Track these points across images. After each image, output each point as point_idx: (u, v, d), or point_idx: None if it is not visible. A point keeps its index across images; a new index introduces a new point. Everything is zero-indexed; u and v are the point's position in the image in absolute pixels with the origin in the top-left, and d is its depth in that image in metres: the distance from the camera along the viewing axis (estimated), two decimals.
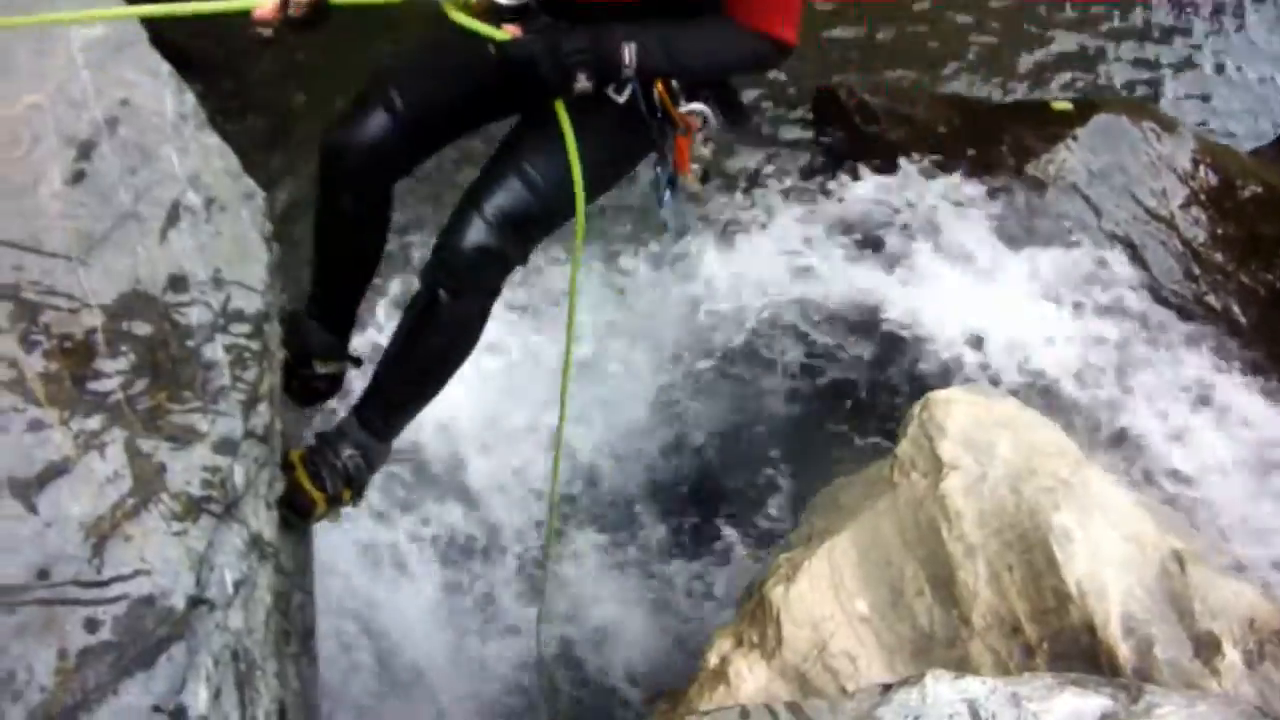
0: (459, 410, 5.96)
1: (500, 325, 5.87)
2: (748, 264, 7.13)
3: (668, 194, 3.32)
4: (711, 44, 3.02)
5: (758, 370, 6.77)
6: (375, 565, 5.55)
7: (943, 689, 2.85)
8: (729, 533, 6.09)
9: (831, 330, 6.86)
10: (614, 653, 5.65)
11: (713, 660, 4.51)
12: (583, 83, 2.90)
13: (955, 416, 4.64)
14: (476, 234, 3.11)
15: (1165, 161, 7.39)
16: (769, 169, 7.89)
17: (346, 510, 3.63)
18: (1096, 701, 2.80)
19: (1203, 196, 7.35)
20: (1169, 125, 7.61)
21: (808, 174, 7.85)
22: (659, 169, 3.31)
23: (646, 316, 6.84)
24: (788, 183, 7.73)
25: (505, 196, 3.12)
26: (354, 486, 3.45)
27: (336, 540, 5.25)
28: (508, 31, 2.95)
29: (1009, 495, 4.39)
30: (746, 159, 7.91)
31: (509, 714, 5.28)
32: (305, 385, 3.67)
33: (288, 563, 3.49)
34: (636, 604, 5.83)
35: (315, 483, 3.39)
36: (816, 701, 3.54)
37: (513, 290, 6.11)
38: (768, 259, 7.16)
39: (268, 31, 2.85)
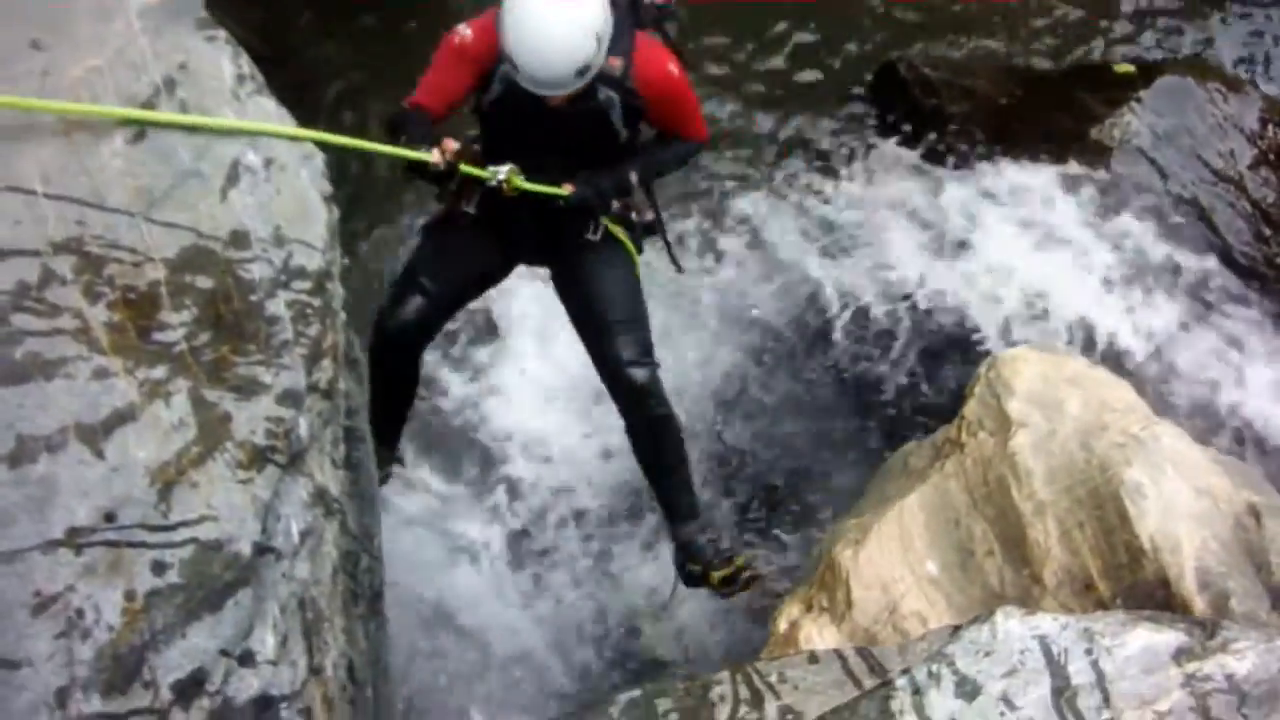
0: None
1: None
2: (809, 236, 7.08)
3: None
4: (673, 157, 4.26)
5: (820, 343, 6.73)
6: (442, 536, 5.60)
7: (1013, 625, 2.81)
8: (796, 505, 6.05)
9: (893, 300, 6.80)
10: (682, 627, 5.63)
11: (783, 626, 4.49)
12: (616, 205, 4.07)
13: (1023, 374, 4.58)
14: (638, 377, 4.14)
15: (1232, 121, 7.25)
16: (829, 144, 7.81)
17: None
18: (1171, 636, 2.75)
19: (1272, 156, 7.22)
20: (1235, 85, 7.48)
21: (868, 148, 7.75)
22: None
23: (711, 291, 6.81)
24: (848, 157, 7.65)
25: (624, 342, 4.13)
26: (724, 553, 4.49)
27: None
28: (565, 188, 3.95)
29: (1079, 452, 4.33)
30: (809, 134, 7.83)
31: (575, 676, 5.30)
32: None
33: (354, 525, 3.50)
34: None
35: (712, 571, 4.44)
36: (885, 647, 3.52)
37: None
38: (828, 231, 7.11)
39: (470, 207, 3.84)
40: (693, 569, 4.48)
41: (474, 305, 5.15)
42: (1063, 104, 7.45)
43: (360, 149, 3.87)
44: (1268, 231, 7.01)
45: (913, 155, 7.50)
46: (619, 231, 4.15)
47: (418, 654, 5.14)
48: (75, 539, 2.40)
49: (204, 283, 2.89)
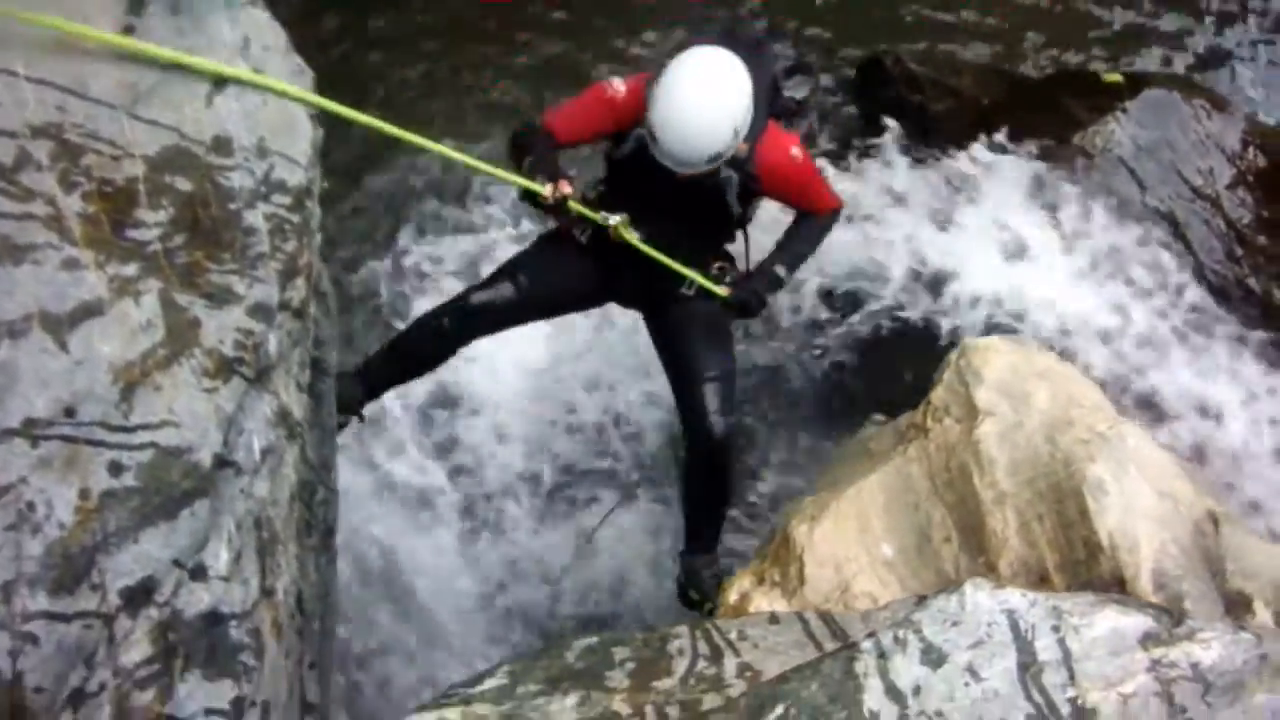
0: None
1: None
2: (777, 221, 7.03)
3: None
4: (815, 237, 4.52)
5: (783, 326, 6.69)
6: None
7: (982, 598, 2.78)
8: (752, 482, 6.02)
9: (859, 289, 6.77)
10: (630, 597, 5.61)
11: (733, 597, 4.44)
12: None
13: (993, 364, 4.55)
14: (718, 428, 4.30)
15: (1214, 140, 7.25)
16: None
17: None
18: (1139, 620, 2.72)
19: (1250, 178, 7.22)
20: (1220, 104, 7.47)
21: (848, 140, 7.72)
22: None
23: None
24: (831, 148, 7.61)
25: (711, 393, 4.29)
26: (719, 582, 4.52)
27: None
28: (723, 290, 4.33)
29: (1044, 445, 4.31)
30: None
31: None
32: None
33: (313, 455, 3.44)
34: (658, 550, 5.78)
35: (707, 602, 4.53)
36: (847, 614, 3.49)
37: None
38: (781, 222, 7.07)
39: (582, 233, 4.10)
40: (693, 595, 4.67)
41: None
42: (1047, 108, 7.43)
43: (483, 172, 4.17)
44: (1240, 251, 7.02)
45: (893, 150, 7.43)
46: (712, 286, 4.32)
47: (365, 596, 5.09)
48: (32, 430, 2.33)
49: (183, 185, 2.82)
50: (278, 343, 2.89)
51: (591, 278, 4.33)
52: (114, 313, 2.53)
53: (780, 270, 4.38)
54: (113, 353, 2.49)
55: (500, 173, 3.96)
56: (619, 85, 3.95)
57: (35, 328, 2.41)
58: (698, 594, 4.61)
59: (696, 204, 4.04)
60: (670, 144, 3.73)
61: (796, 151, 4.17)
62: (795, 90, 4.40)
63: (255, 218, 2.93)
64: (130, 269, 2.61)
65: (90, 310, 2.50)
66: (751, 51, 3.97)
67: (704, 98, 3.71)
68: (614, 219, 3.95)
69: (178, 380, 2.57)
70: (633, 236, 3.98)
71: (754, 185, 4.08)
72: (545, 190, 3.80)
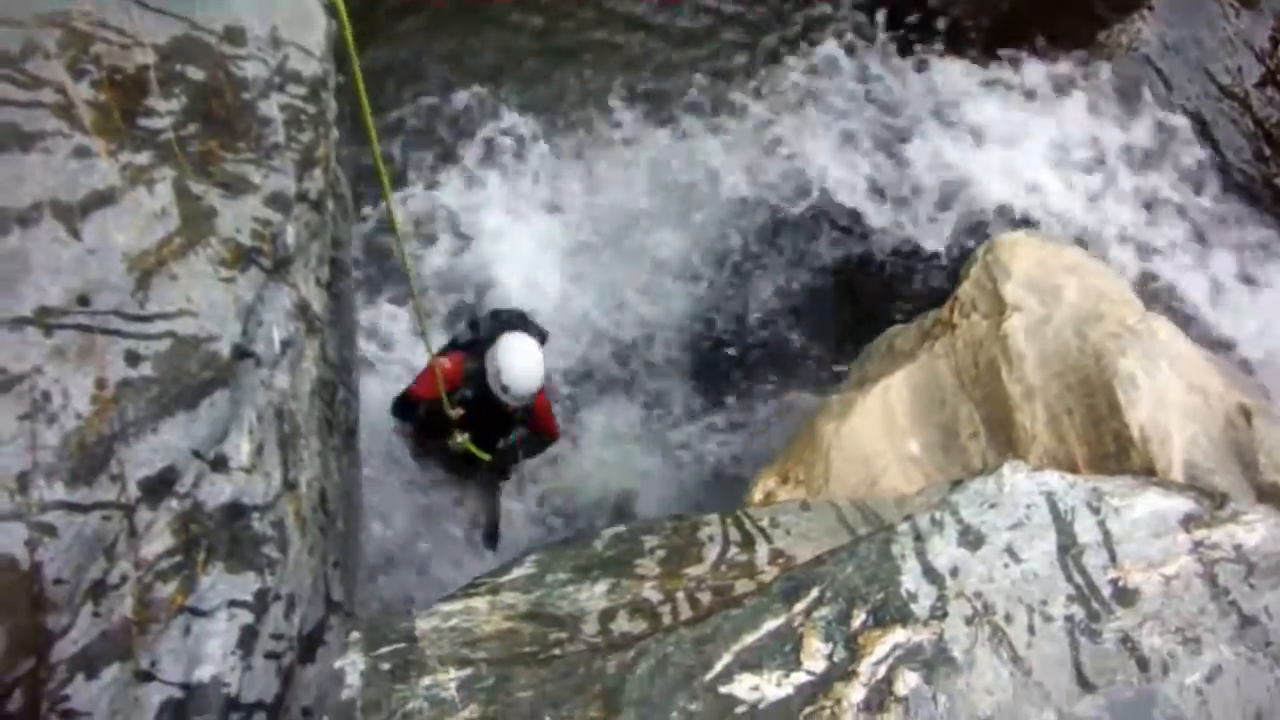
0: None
1: None
2: (793, 135, 6.94)
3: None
4: (542, 449, 5.48)
5: (807, 229, 6.62)
6: None
7: (1020, 479, 2.72)
8: (777, 383, 6.00)
9: (878, 189, 6.71)
10: (655, 495, 5.62)
11: (757, 496, 4.41)
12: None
13: (1021, 259, 4.49)
14: None
15: (1242, 38, 7.13)
16: (829, 32, 7.61)
17: None
18: (1180, 503, 2.67)
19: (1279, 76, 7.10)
20: (1248, 0, 7.33)
21: (869, 39, 7.57)
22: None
23: (699, 189, 6.71)
24: (847, 47, 7.47)
25: None
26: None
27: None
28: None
29: (1073, 339, 4.25)
30: (806, 25, 7.63)
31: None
32: None
33: (334, 355, 3.38)
34: (684, 452, 5.79)
35: None
36: (881, 498, 3.45)
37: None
38: (818, 118, 6.98)
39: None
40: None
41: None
42: (1074, 7, 7.29)
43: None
44: (1268, 151, 6.92)
45: (913, 46, 7.32)
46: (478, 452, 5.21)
47: (387, 500, 5.08)
48: (45, 319, 2.27)
49: (195, 74, 2.74)
50: (295, 234, 2.83)
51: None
52: (127, 201, 2.46)
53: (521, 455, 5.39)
54: (127, 241, 2.42)
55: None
56: (446, 362, 4.99)
57: (46, 215, 2.34)
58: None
59: (505, 417, 5.09)
60: (518, 390, 4.91)
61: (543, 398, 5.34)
62: None
63: (270, 108, 2.85)
64: (143, 157, 2.54)
65: (103, 198, 2.43)
66: (538, 336, 5.14)
67: (533, 363, 4.94)
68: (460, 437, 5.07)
69: (194, 269, 2.51)
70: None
71: (530, 410, 5.17)
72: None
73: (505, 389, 4.89)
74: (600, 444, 5.85)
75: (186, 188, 2.59)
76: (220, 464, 2.53)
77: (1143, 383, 4.10)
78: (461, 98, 6.57)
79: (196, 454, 2.46)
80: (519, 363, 4.91)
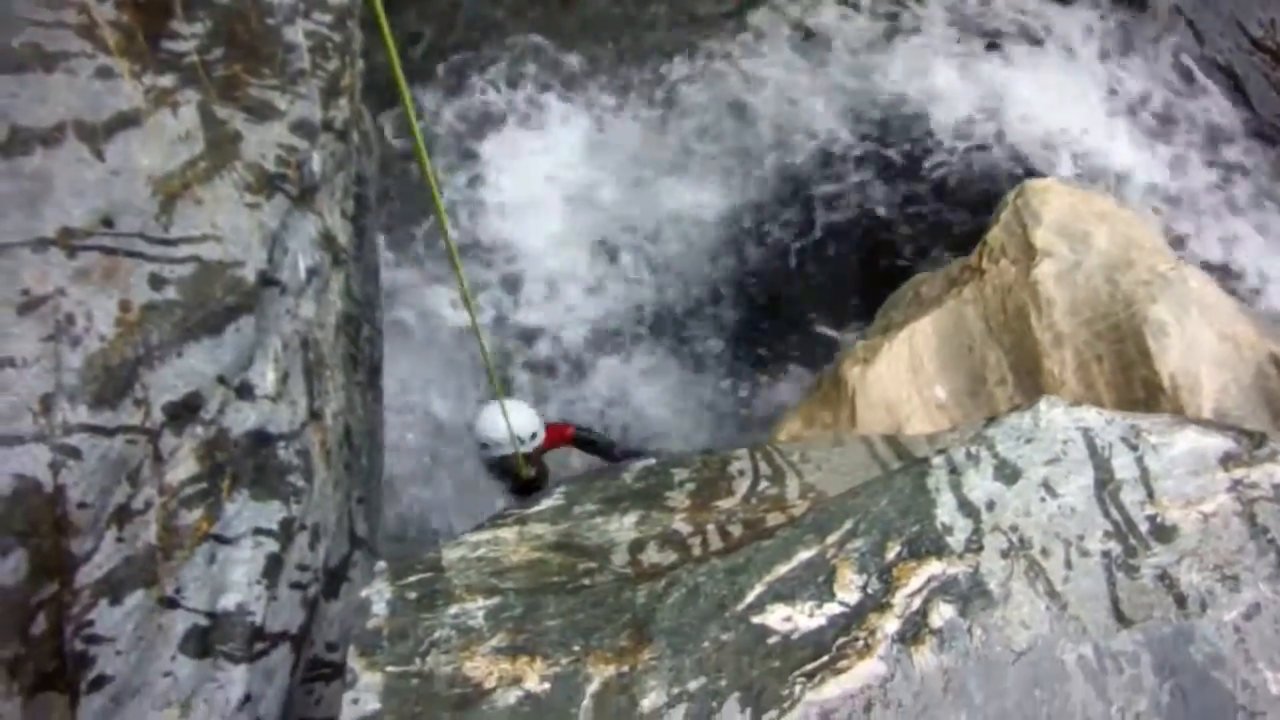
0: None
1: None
2: (825, 67, 6.90)
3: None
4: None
5: (834, 175, 6.58)
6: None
7: (1057, 415, 2.68)
8: (803, 327, 5.97)
9: (906, 136, 6.65)
10: (680, 435, 5.61)
11: (782, 438, 4.37)
12: None
13: (1052, 205, 4.42)
14: None
15: None
16: None
17: None
18: (1219, 441, 2.62)
19: None
20: None
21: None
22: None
23: (733, 121, 6.68)
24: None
25: None
26: None
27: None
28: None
29: (1104, 285, 4.19)
30: None
31: None
32: None
33: (358, 291, 3.35)
34: (709, 394, 5.78)
35: None
36: (914, 435, 3.40)
37: None
38: (842, 64, 6.94)
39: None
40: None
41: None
42: None
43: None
44: None
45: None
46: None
47: (407, 441, 5.06)
48: (69, 240, 2.24)
49: None
50: (321, 162, 2.80)
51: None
52: (151, 123, 2.43)
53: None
54: (151, 164, 2.39)
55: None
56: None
57: (70, 136, 2.31)
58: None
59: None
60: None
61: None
62: None
63: (295, 34, 2.82)
64: (167, 80, 2.51)
65: (127, 120, 2.40)
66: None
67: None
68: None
69: (219, 194, 2.48)
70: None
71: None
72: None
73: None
74: (626, 386, 5.81)
75: (211, 112, 2.56)
76: (245, 391, 2.50)
77: (1173, 330, 4.04)
78: (488, 54, 6.56)
79: (221, 380, 2.44)
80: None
